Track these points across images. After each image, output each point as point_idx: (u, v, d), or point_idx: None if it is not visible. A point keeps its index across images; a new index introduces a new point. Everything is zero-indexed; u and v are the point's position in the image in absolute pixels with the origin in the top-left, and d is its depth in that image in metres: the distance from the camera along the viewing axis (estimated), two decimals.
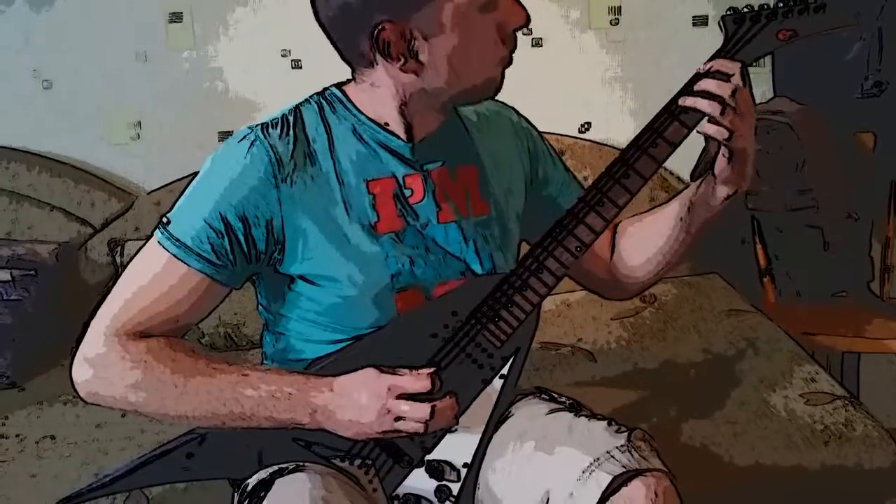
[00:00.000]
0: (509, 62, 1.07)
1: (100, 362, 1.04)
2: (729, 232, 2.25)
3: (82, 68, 2.29)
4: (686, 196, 1.17)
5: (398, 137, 1.09)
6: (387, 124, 1.09)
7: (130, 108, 2.33)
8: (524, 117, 1.26)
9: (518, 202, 1.22)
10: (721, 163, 1.06)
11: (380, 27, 1.00)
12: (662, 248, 1.21)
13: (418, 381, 1.01)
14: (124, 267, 1.10)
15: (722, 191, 1.09)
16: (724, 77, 1.02)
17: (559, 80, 2.17)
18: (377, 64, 1.05)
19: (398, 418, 1.01)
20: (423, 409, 1.00)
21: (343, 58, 1.08)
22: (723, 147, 1.05)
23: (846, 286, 2.27)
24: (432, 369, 1.03)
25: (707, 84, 1.01)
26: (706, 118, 1.03)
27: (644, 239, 1.24)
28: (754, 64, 1.07)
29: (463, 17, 1.00)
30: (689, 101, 1.02)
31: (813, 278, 2.25)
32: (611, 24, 2.37)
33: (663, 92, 1.08)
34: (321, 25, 1.05)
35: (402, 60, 1.02)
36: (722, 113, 1.00)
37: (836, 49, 2.23)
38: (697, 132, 1.05)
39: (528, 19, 1.05)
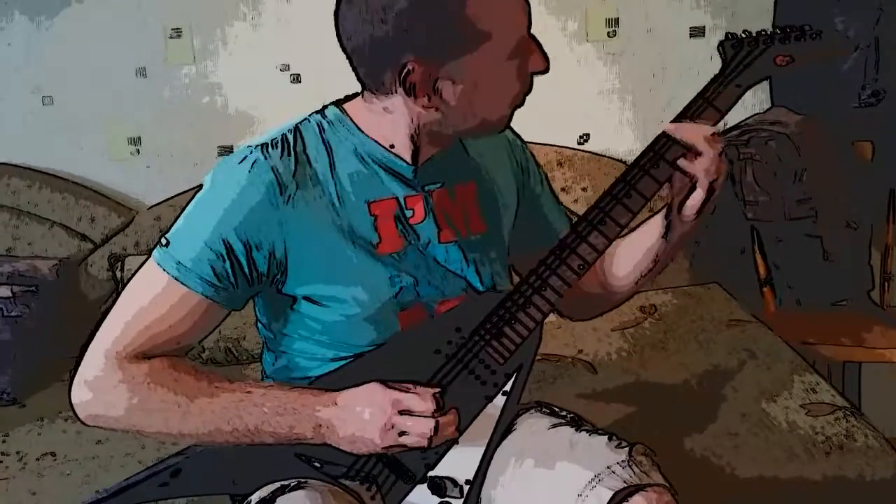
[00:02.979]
0: (521, 104, 1.08)
1: (99, 385, 1.03)
2: (729, 242, 2.26)
3: (82, 84, 2.30)
4: (649, 228, 1.18)
5: (402, 160, 1.09)
6: (392, 146, 1.09)
7: (130, 124, 2.34)
8: (517, 134, 1.27)
9: (510, 218, 1.22)
10: (693, 204, 1.07)
11: (409, 68, 1.00)
12: (640, 263, 1.21)
13: (423, 402, 1.01)
14: (124, 285, 1.09)
15: (675, 236, 1.12)
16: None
17: (558, 92, 2.16)
18: (396, 93, 1.04)
19: (401, 433, 1.01)
20: (426, 425, 1.00)
21: (359, 79, 1.07)
22: (699, 190, 1.06)
23: (846, 295, 2.28)
24: (437, 390, 1.03)
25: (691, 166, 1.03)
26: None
27: (622, 257, 1.24)
28: None
29: (492, 64, 1.01)
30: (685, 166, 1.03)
31: (813, 287, 2.25)
32: (608, 36, 2.38)
33: (661, 103, 1.09)
34: (342, 48, 1.04)
35: (426, 99, 1.02)
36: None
37: (833, 59, 2.24)
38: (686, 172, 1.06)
39: (548, 68, 1.06)
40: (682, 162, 1.04)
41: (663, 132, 1.05)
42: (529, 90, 1.07)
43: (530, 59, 1.04)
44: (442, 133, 1.08)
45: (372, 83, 1.06)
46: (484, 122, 1.07)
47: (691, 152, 1.03)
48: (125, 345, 1.03)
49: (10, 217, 2.19)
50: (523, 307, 1.07)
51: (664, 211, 1.16)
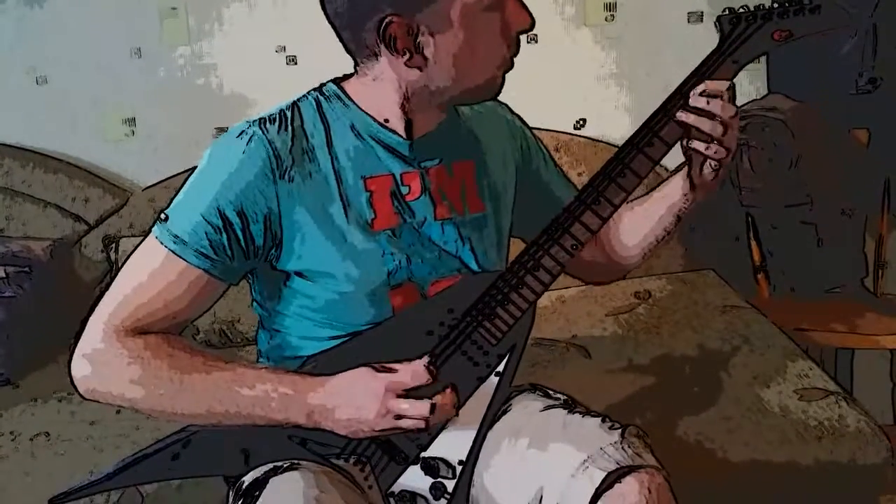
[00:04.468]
0: (510, 66, 1.07)
1: (98, 358, 1.04)
2: (723, 228, 2.26)
3: (77, 64, 2.28)
4: (672, 187, 1.19)
5: (397, 134, 1.09)
6: (386, 121, 1.09)
7: (125, 105, 2.32)
8: (517, 115, 1.26)
9: (510, 198, 1.22)
10: (708, 173, 1.09)
11: (387, 21, 1.00)
12: (656, 228, 1.23)
13: (417, 376, 1.01)
14: (122, 263, 1.10)
15: (700, 194, 1.14)
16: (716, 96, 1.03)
17: (554, 76, 2.17)
18: (381, 57, 1.05)
19: (398, 416, 1.01)
20: (423, 407, 1.00)
21: (347, 49, 1.08)
22: (710, 161, 1.07)
23: (840, 282, 2.28)
24: (427, 360, 1.03)
25: (709, 105, 1.03)
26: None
27: (636, 224, 1.26)
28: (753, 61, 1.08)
29: (469, 15, 1.01)
30: (692, 120, 1.03)
31: (807, 274, 2.25)
32: (606, 20, 2.37)
33: (658, 88, 1.08)
34: (327, 16, 1.05)
35: (408, 55, 1.02)
36: (724, 133, 1.03)
37: (830, 45, 2.23)
38: (693, 150, 1.06)
39: (533, 23, 1.05)
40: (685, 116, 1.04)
41: (658, 109, 1.05)
42: (517, 51, 1.07)
43: (512, 16, 1.04)
44: (432, 99, 1.08)
45: (357, 48, 1.06)
46: (474, 86, 1.07)
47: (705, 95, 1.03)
48: (122, 319, 1.04)
49: (4, 197, 2.18)
50: (516, 288, 1.07)
51: (680, 177, 1.17)
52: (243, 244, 1.05)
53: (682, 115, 1.04)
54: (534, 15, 1.06)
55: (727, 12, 1.06)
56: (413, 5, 1.00)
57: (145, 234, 1.07)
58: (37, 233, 2.17)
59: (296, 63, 2.31)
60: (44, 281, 2.03)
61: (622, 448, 1.04)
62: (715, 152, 1.05)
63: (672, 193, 1.18)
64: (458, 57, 1.03)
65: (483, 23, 1.02)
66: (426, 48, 1.02)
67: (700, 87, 1.04)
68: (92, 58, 2.28)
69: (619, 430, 1.07)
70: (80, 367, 1.04)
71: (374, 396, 1.00)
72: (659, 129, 1.05)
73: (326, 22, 1.06)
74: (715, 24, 1.07)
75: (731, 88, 1.05)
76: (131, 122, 2.34)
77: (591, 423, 1.09)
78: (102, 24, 2.26)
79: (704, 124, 1.03)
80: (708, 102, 1.03)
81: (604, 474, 1.01)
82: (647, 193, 1.25)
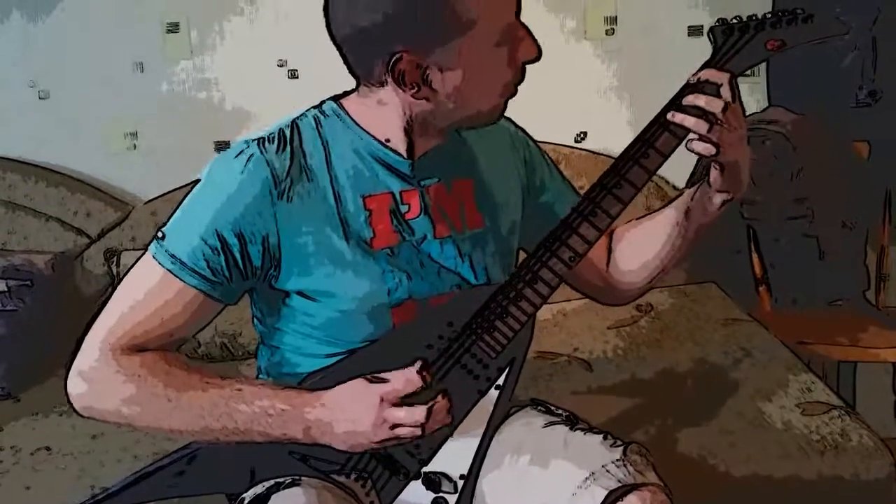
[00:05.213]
0: (514, 93, 1.07)
1: (94, 376, 1.03)
2: (725, 241, 2.26)
3: (79, 78, 2.29)
4: (682, 201, 1.18)
5: (398, 154, 1.09)
6: (387, 140, 1.09)
7: (127, 118, 2.33)
8: (520, 128, 1.26)
9: (515, 212, 1.22)
10: (714, 173, 1.08)
11: (397, 57, 0.99)
12: (660, 253, 1.22)
13: (409, 381, 1.00)
14: (120, 279, 1.09)
15: (718, 198, 1.11)
16: (714, 89, 1.02)
17: (555, 89, 2.17)
18: (387, 84, 1.04)
19: (395, 426, 1.00)
20: (418, 413, 0.99)
21: (351, 71, 1.07)
22: (713, 162, 1.06)
23: (842, 295, 2.28)
24: (419, 365, 1.02)
25: (695, 99, 1.02)
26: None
27: (641, 245, 1.25)
28: (748, 73, 1.08)
29: (480, 51, 1.01)
30: (677, 118, 1.03)
31: (809, 287, 2.25)
32: (606, 34, 2.38)
33: (659, 101, 1.08)
34: (332, 38, 1.04)
35: (416, 89, 1.02)
36: (709, 130, 1.01)
37: (830, 59, 2.24)
38: (686, 148, 1.05)
39: (540, 55, 1.05)
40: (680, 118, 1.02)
41: (652, 120, 1.05)
42: (521, 80, 1.06)
43: (520, 47, 1.03)
44: (435, 124, 1.08)
45: (363, 73, 1.06)
46: (477, 113, 1.07)
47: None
48: (118, 337, 1.04)
49: (6, 211, 2.18)
50: (515, 301, 1.07)
51: (679, 203, 1.17)
52: (241, 265, 1.04)
53: (669, 116, 1.03)
54: (534, 28, 1.06)
55: (720, 23, 1.05)
56: (425, 44, 0.99)
57: (146, 248, 1.07)
58: (38, 246, 2.17)
59: (297, 77, 2.32)
60: (45, 294, 2.03)
61: (624, 466, 1.03)
62: (703, 149, 1.03)
63: (676, 209, 1.18)
64: (464, 89, 1.02)
65: (491, 56, 1.02)
66: (434, 81, 1.02)
67: (695, 78, 1.03)
68: (94, 72, 2.29)
69: (621, 448, 1.06)
70: (77, 385, 1.04)
71: (369, 408, 1.00)
72: (654, 140, 1.05)
73: (327, 36, 1.06)
74: (708, 35, 1.06)
75: (733, 86, 1.03)
76: (133, 135, 2.34)
77: (593, 440, 1.09)
78: (104, 39, 2.27)
79: (688, 121, 1.02)
80: (695, 99, 1.02)
81: (605, 492, 1.00)
82: (654, 212, 1.25)
